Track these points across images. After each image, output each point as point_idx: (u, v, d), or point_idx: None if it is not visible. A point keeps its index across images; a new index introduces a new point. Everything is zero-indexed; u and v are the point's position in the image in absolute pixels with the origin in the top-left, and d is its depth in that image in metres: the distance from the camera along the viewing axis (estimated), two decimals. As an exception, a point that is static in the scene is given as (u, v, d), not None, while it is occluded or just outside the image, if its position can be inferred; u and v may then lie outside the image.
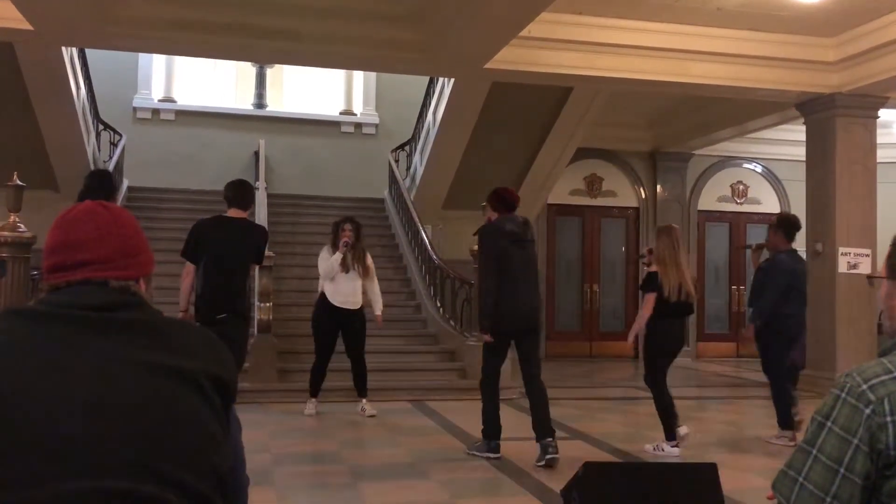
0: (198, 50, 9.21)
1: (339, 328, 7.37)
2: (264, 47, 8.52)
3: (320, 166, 13.63)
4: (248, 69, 14.01)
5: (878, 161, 9.79)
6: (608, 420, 7.78)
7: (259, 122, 13.83)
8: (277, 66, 13.64)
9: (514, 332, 5.76)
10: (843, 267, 9.36)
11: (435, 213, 11.95)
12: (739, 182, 14.28)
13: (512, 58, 8.30)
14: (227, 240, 5.63)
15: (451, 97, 10.32)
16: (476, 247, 6.96)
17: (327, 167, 13.65)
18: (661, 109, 12.75)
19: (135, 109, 13.46)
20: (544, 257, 13.17)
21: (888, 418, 1.37)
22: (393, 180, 13.00)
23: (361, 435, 6.90)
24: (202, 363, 1.32)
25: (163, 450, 1.22)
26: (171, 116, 13.63)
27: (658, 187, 13.72)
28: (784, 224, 6.68)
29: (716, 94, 9.91)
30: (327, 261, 7.37)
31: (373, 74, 13.92)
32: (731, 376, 11.68)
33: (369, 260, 7.55)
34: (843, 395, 1.42)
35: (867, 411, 1.38)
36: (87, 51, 10.58)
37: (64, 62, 9.14)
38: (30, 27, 7.48)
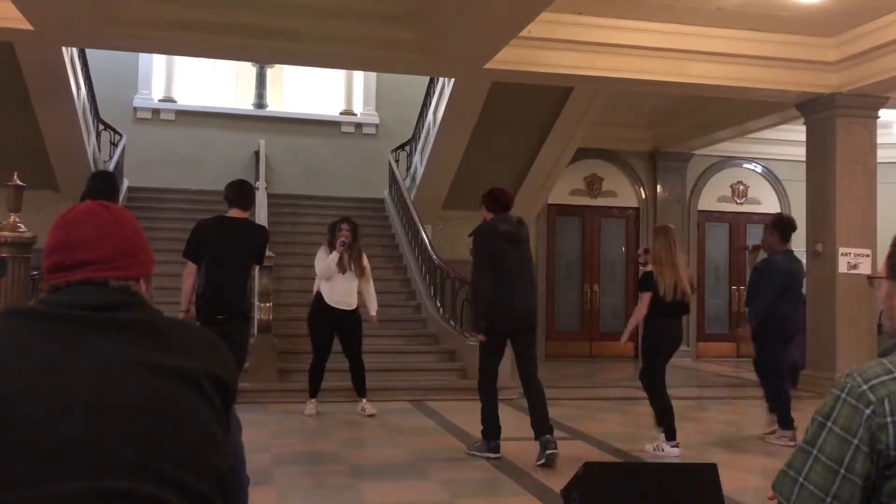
0: (198, 50, 9.21)
1: (334, 328, 7.37)
2: (264, 47, 8.52)
3: (320, 166, 13.63)
4: (248, 69, 14.01)
5: (878, 161, 9.79)
6: (608, 420, 7.78)
7: (259, 122, 13.83)
8: (277, 66, 13.64)
9: (510, 332, 5.77)
10: (843, 267, 9.36)
11: (435, 213, 11.94)
12: (739, 182, 14.28)
13: (512, 58, 8.30)
14: (229, 240, 5.64)
15: (451, 97, 10.32)
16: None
17: (327, 167, 13.65)
18: (661, 109, 12.75)
19: (135, 109, 13.45)
20: (544, 257, 13.19)
21: (888, 419, 1.37)
22: (393, 180, 13.00)
23: (361, 435, 6.90)
24: (202, 363, 1.32)
25: (163, 450, 1.22)
26: (172, 116, 13.62)
27: (658, 187, 13.72)
28: (779, 225, 6.74)
29: (716, 94, 9.91)
30: (324, 260, 7.38)
31: (373, 74, 13.92)
32: (730, 376, 11.68)
33: (365, 261, 7.55)
34: (844, 395, 1.42)
35: (867, 412, 1.38)
36: (87, 51, 10.57)
37: (64, 62, 9.14)
38: (30, 27, 7.48)
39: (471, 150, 11.02)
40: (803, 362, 9.63)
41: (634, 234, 13.73)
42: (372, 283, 7.64)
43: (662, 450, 5.93)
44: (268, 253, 7.01)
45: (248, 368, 8.00)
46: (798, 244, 7.02)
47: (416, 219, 11.39)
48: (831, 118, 9.50)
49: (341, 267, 7.31)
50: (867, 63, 8.91)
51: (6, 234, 6.26)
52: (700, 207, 14.04)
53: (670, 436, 5.97)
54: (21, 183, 6.54)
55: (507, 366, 6.57)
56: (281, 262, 9.98)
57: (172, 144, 13.24)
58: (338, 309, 7.32)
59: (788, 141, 12.93)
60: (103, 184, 5.56)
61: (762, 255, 7.02)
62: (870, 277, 9.23)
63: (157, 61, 13.52)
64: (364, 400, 7.47)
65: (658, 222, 11.79)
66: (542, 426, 5.53)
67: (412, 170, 12.82)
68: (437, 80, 11.24)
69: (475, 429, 5.95)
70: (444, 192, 11.91)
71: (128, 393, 1.24)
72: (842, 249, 9.37)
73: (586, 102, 10.56)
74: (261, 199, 10.50)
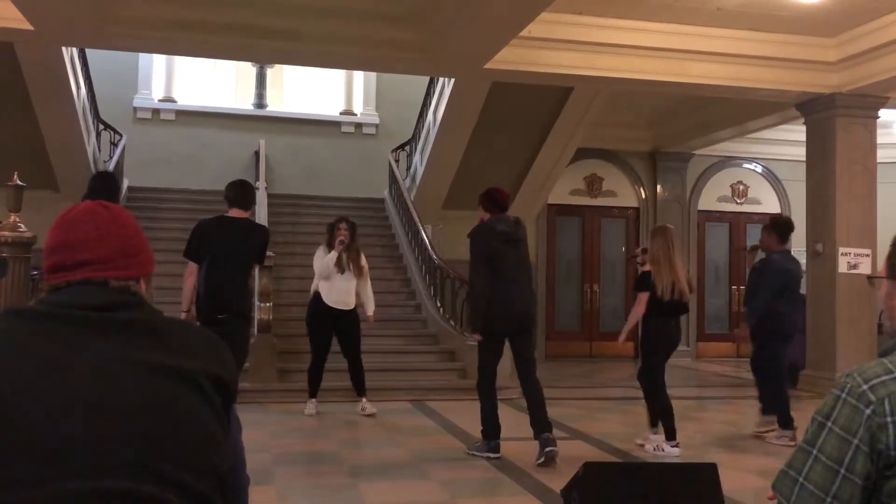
0: (198, 50, 9.21)
1: (332, 328, 7.37)
2: (264, 47, 8.52)
3: (320, 166, 13.63)
4: (248, 69, 14.01)
5: (878, 161, 9.79)
6: (608, 420, 7.78)
7: (259, 122, 13.83)
8: (277, 66, 13.63)
9: (508, 332, 5.77)
10: (843, 267, 9.36)
11: (435, 213, 11.94)
12: (739, 182, 14.27)
13: (512, 58, 8.30)
14: (229, 240, 5.64)
15: (451, 97, 10.32)
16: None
17: (327, 167, 13.65)
18: (661, 109, 12.75)
19: (135, 109, 13.45)
20: (544, 257, 13.19)
21: (888, 419, 1.37)
22: (393, 180, 13.00)
23: (361, 435, 6.90)
24: (202, 363, 1.32)
25: (163, 450, 1.22)
26: (172, 116, 13.62)
27: (658, 187, 13.72)
28: (777, 226, 6.82)
29: (716, 94, 9.91)
30: (323, 259, 7.38)
31: (373, 74, 13.91)
32: (730, 376, 11.67)
33: (363, 260, 7.55)
34: (844, 395, 1.42)
35: (867, 412, 1.38)
36: (87, 51, 10.57)
37: (64, 62, 9.14)
38: (30, 27, 7.48)
39: (471, 150, 11.02)
40: (803, 362, 9.64)
41: (634, 234, 13.73)
42: (370, 284, 7.63)
43: (662, 450, 5.94)
44: (268, 253, 7.01)
45: (248, 368, 8.00)
46: (798, 244, 7.05)
47: (416, 219, 11.39)
48: (831, 118, 9.50)
49: (339, 266, 7.31)
50: (867, 63, 8.91)
51: (6, 234, 6.26)
52: (700, 207, 14.04)
53: (670, 436, 5.97)
54: (21, 183, 6.54)
55: (506, 366, 6.57)
56: (281, 262, 9.97)
57: (172, 144, 13.24)
58: (336, 309, 7.32)
59: (788, 141, 12.93)
60: (104, 184, 5.57)
61: (761, 255, 7.06)
62: (870, 277, 9.22)
63: (157, 61, 13.52)
64: (364, 399, 7.47)
65: (658, 222, 11.79)
66: (541, 425, 5.54)
67: (412, 170, 12.82)
68: (437, 80, 11.24)
69: (475, 429, 5.95)
70: (444, 192, 11.91)
71: (128, 393, 1.24)
72: (842, 249, 9.37)
73: (586, 102, 10.56)
74: (261, 199, 10.50)
